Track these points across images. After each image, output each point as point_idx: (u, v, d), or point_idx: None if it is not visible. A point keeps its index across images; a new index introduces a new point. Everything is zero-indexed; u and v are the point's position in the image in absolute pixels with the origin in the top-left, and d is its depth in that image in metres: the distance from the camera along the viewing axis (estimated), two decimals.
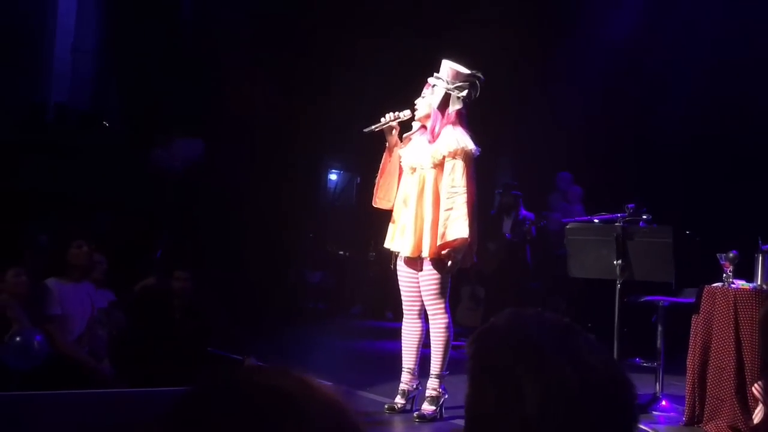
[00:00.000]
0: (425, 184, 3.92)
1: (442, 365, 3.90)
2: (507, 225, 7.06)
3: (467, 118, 4.00)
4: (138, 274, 5.28)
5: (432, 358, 3.93)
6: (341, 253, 9.29)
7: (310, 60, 8.14)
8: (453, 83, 3.92)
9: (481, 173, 4.10)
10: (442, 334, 3.90)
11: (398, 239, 4.00)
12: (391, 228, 4.06)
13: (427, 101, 3.97)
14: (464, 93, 3.91)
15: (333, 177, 10.22)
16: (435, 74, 3.97)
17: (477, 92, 3.93)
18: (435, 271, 3.89)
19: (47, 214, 6.18)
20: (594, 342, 0.92)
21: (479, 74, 3.94)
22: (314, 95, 8.06)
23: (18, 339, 3.97)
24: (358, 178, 9.66)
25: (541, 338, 0.89)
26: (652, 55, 7.62)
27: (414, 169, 3.98)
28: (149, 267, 5.64)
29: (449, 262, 3.87)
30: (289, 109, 7.98)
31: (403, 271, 4.01)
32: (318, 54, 8.14)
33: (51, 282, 4.42)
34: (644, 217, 4.10)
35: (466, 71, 3.95)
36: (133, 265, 5.81)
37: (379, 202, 4.14)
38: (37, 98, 7.87)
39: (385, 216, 4.16)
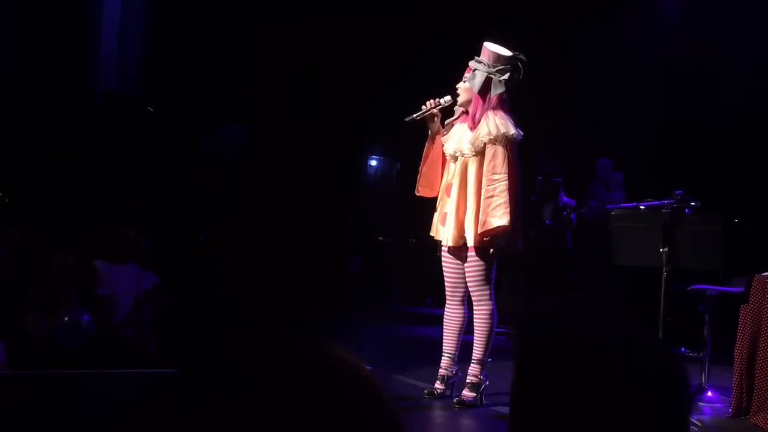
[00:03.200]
0: (467, 172, 3.87)
1: (485, 352, 3.88)
2: (547, 212, 6.97)
3: (510, 102, 3.93)
4: (182, 258, 5.37)
5: (474, 344, 3.90)
6: (381, 239, 9.31)
7: (350, 45, 8.13)
8: (494, 66, 3.83)
9: (526, 158, 4.03)
10: (486, 321, 3.87)
11: (441, 228, 3.97)
12: (435, 217, 4.04)
13: (468, 86, 3.90)
14: (506, 76, 3.81)
15: (373, 163, 10.22)
16: (475, 58, 3.89)
17: (520, 75, 3.83)
18: (479, 259, 3.85)
19: (95, 199, 6.32)
20: (645, 328, 0.89)
21: (521, 56, 3.83)
22: (354, 81, 8.04)
23: (66, 319, 4.09)
24: (398, 164, 9.64)
25: (588, 323, 0.87)
26: (700, 38, 7.40)
27: (456, 157, 3.93)
28: (193, 251, 5.73)
29: (491, 250, 3.83)
30: (330, 95, 7.99)
31: (447, 259, 3.99)
32: (359, 39, 8.12)
33: (99, 264, 4.53)
34: (692, 204, 3.99)
35: (508, 53, 3.85)
36: (177, 249, 5.91)
37: (422, 190, 4.10)
38: (84, 86, 8.03)
39: (425, 202, 4.13)
